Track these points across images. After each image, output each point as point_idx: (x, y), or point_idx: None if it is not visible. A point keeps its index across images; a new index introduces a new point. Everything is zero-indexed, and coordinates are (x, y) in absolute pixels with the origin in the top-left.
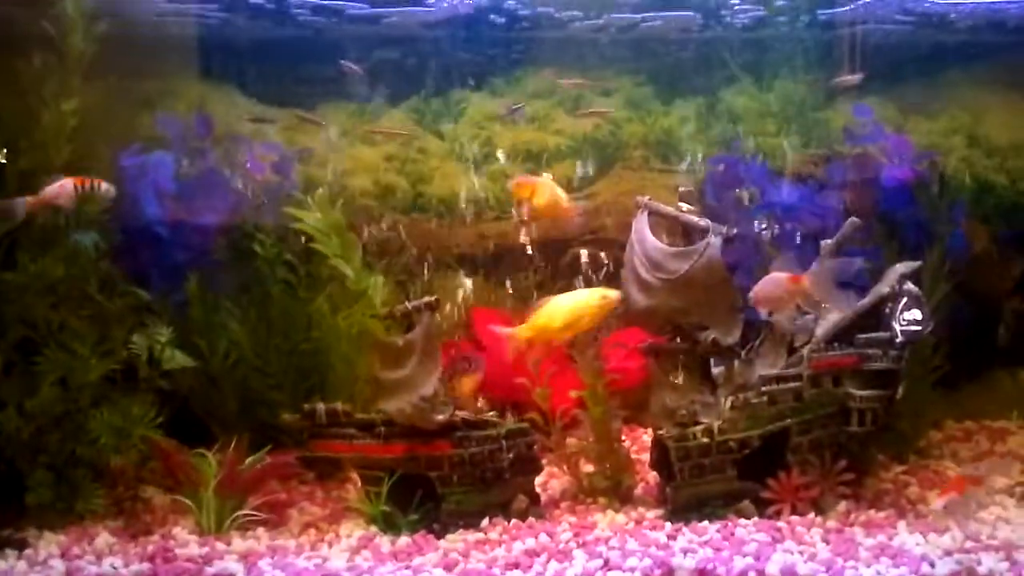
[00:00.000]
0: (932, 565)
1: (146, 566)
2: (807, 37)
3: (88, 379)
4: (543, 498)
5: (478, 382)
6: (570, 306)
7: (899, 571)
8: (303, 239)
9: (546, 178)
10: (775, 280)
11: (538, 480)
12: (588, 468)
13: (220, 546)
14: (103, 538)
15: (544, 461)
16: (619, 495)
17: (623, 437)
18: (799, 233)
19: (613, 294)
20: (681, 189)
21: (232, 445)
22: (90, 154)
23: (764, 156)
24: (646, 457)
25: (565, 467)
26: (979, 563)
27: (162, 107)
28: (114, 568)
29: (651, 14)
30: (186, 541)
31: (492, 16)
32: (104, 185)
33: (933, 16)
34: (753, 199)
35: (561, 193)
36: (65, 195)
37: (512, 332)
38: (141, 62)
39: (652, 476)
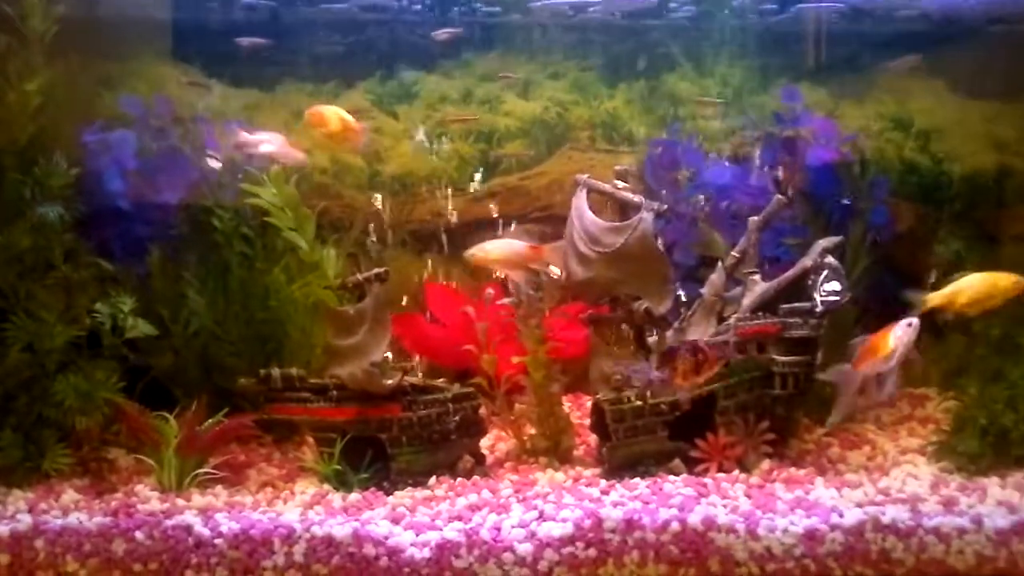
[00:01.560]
0: (841, 515)
1: (109, 520)
2: (745, 25)
3: (54, 345)
4: (490, 459)
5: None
6: (980, 284)
7: (811, 521)
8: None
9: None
10: (514, 245)
11: (485, 443)
12: (531, 431)
13: (180, 502)
14: (69, 495)
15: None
16: (559, 455)
17: (566, 402)
18: (731, 210)
19: None
20: (617, 168)
21: (192, 408)
22: (53, 131)
23: (701, 138)
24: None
25: (509, 430)
26: (884, 514)
27: (123, 87)
28: (79, 521)
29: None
30: (148, 498)
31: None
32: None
33: (862, 8)
34: (690, 178)
35: (348, 116)
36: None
37: (924, 296)
38: (102, 43)
39: (593, 439)
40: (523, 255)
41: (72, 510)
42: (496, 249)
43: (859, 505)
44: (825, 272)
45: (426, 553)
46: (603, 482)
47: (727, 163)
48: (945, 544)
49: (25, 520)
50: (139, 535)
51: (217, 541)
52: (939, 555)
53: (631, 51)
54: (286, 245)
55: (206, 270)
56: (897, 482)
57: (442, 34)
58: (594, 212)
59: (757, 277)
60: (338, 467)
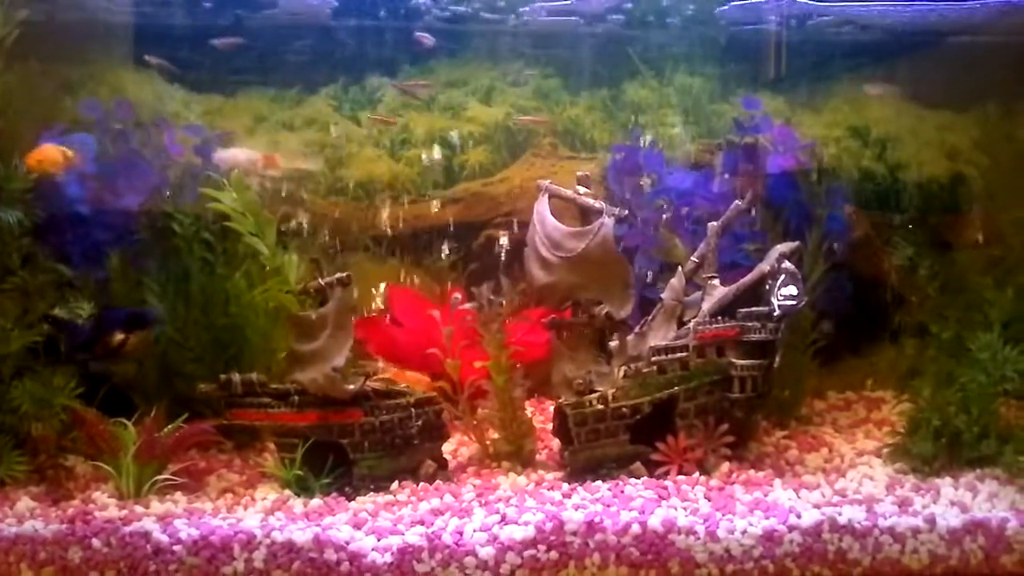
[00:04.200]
0: (799, 516)
1: (65, 527)
2: (705, 35)
3: (10, 351)
4: (453, 464)
5: None
6: None
7: (769, 522)
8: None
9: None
10: (247, 154)
11: (449, 447)
12: (494, 435)
13: (139, 509)
14: (24, 502)
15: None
16: (522, 459)
17: (528, 407)
18: (691, 215)
19: None
20: (579, 174)
21: (151, 415)
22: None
23: (661, 144)
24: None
25: (472, 434)
26: (840, 514)
27: (85, 91)
28: (35, 529)
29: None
30: (106, 505)
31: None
32: None
33: (819, 18)
34: (651, 184)
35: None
36: None
37: None
38: (64, 47)
39: (556, 443)
40: (255, 162)
41: (27, 518)
42: (231, 158)
43: (816, 506)
44: (782, 277)
45: (388, 558)
46: (565, 485)
47: (687, 169)
48: (900, 544)
49: None
50: (96, 542)
51: (176, 548)
52: (894, 554)
53: (593, 59)
54: (247, 250)
55: (166, 275)
56: (853, 483)
57: (408, 40)
58: (556, 217)
59: (716, 282)
60: (299, 472)
